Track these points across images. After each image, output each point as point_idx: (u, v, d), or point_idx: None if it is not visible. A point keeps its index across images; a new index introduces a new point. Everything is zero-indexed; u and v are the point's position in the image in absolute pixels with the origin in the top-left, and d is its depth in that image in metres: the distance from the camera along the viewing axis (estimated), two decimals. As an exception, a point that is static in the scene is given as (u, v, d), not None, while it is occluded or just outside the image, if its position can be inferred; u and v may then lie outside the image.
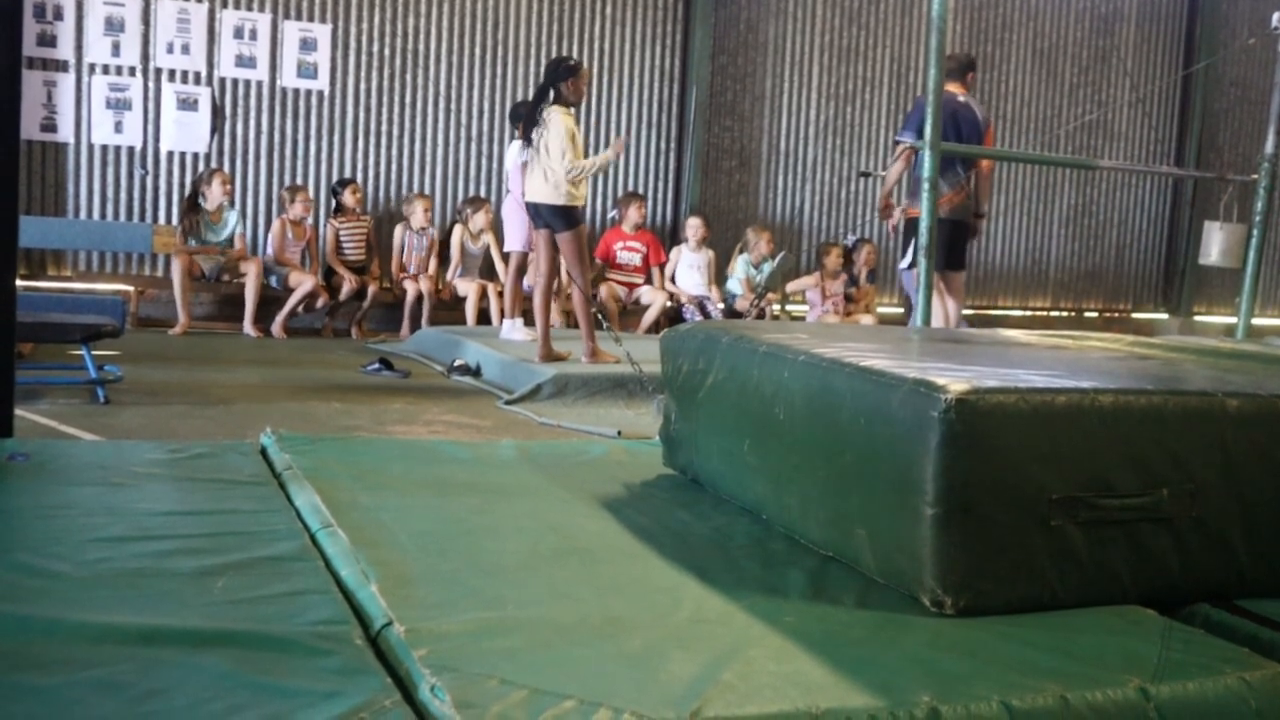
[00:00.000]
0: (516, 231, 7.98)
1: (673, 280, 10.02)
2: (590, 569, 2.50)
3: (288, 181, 9.50)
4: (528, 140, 6.89)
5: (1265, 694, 2.01)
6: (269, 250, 9.19)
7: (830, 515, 2.64)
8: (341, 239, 9.35)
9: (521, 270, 8.11)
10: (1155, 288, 12.64)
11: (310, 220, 9.35)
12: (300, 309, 9.02)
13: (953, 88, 6.78)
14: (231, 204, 9.14)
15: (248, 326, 8.78)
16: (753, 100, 10.81)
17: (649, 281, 9.97)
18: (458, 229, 9.52)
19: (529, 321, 7.77)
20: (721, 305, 9.83)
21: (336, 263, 9.26)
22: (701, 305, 9.76)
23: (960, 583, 2.29)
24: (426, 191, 9.84)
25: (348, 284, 9.10)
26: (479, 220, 9.51)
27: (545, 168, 6.73)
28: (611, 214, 10.22)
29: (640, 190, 10.45)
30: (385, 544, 2.52)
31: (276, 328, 8.82)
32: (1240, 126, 12.55)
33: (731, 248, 10.33)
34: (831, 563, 2.60)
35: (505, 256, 8.52)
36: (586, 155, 6.98)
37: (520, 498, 3.08)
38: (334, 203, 9.44)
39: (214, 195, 8.89)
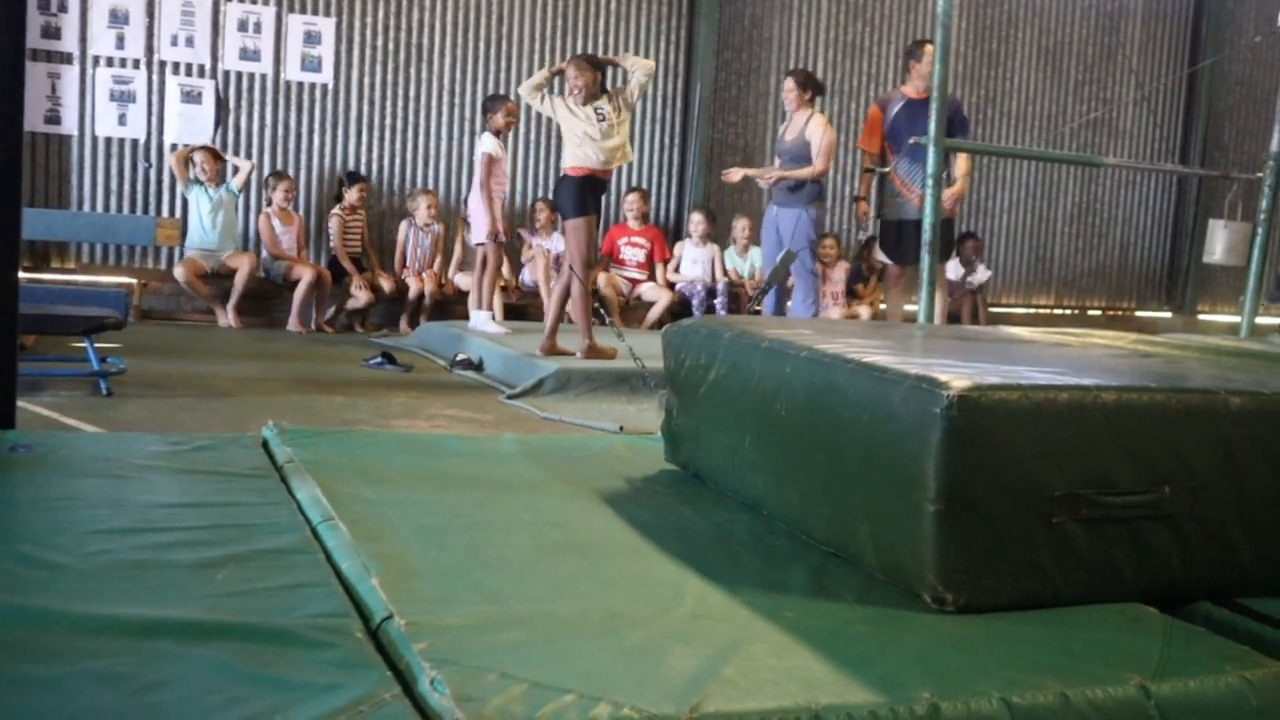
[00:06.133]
0: (480, 223, 8.04)
1: (676, 271, 10.09)
2: (591, 564, 2.49)
3: (290, 176, 9.50)
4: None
5: (1267, 692, 2.01)
6: (263, 249, 9.21)
7: (832, 511, 2.64)
8: (346, 231, 9.38)
9: (485, 263, 8.20)
10: (1159, 286, 12.63)
11: (294, 208, 9.37)
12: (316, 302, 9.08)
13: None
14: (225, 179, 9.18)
15: (228, 317, 8.84)
16: (757, 96, 10.80)
17: (653, 277, 10.00)
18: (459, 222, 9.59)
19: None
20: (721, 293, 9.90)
21: (344, 256, 9.27)
22: (710, 292, 9.81)
23: (961, 579, 2.29)
24: (430, 186, 9.84)
25: (361, 293, 9.12)
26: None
27: (571, 134, 6.84)
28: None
29: (644, 185, 10.46)
30: (386, 537, 2.52)
31: (294, 324, 8.87)
32: (1245, 124, 12.53)
33: (729, 243, 10.40)
34: (833, 559, 2.60)
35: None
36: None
37: (522, 492, 3.07)
38: (338, 193, 9.47)
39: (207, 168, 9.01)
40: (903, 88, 7.74)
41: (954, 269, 11.03)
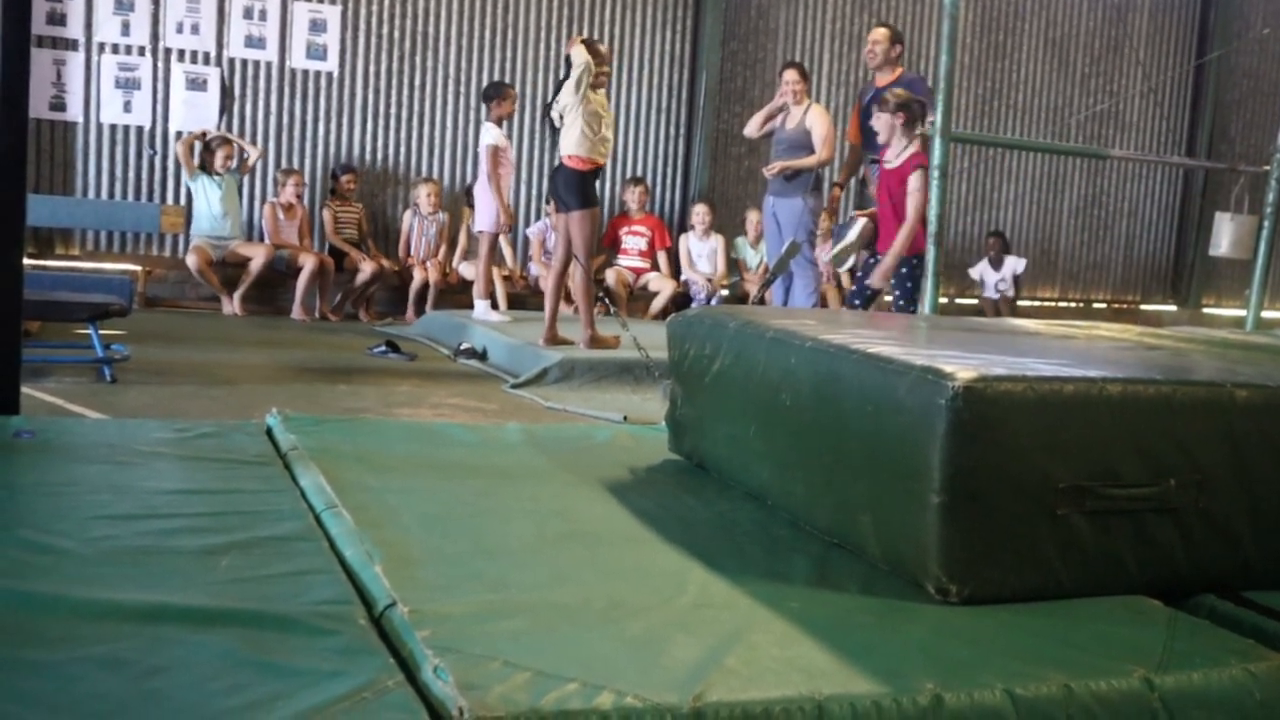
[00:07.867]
0: (485, 212, 8.03)
1: (691, 267, 10.06)
2: (595, 553, 2.49)
3: (295, 164, 9.51)
4: (552, 124, 6.92)
5: (1270, 685, 2.01)
6: (265, 236, 9.22)
7: (835, 502, 2.63)
8: (337, 222, 9.39)
9: (492, 251, 8.20)
10: (1164, 279, 12.60)
11: (305, 201, 9.37)
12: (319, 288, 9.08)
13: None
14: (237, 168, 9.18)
15: (233, 305, 8.85)
16: (763, 87, 10.76)
17: (655, 266, 9.99)
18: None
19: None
20: (725, 291, 9.86)
21: (338, 241, 9.28)
22: (711, 284, 9.80)
23: (965, 571, 2.28)
24: (435, 175, 9.83)
25: (367, 265, 9.10)
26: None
27: (569, 121, 6.77)
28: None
29: (648, 175, 10.44)
30: (390, 525, 2.52)
31: (297, 311, 8.86)
32: (1252, 117, 12.48)
33: (739, 234, 10.37)
34: (836, 549, 2.60)
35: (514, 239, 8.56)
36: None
37: (525, 481, 3.07)
38: (331, 186, 9.47)
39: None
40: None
41: (982, 270, 11.07)
